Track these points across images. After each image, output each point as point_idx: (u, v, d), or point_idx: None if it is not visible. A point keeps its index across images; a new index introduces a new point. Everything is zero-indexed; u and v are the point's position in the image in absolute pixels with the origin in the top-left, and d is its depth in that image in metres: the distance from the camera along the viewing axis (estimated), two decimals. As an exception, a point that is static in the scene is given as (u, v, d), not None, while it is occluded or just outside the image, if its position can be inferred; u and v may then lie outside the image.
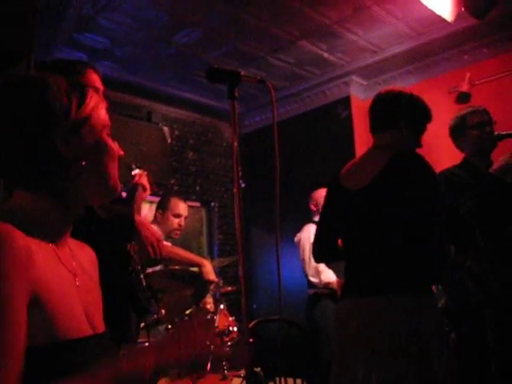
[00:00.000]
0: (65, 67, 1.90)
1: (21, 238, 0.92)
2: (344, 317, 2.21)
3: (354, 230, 2.31)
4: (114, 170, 1.09)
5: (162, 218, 4.14)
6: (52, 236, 1.04)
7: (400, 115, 2.31)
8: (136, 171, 3.22)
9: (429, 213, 2.17)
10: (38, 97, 1.00)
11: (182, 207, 4.17)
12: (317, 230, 2.50)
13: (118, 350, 1.14)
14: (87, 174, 1.04)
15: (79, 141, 1.03)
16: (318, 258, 2.64)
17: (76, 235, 1.17)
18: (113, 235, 1.95)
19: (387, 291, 2.10)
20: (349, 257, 2.36)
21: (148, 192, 3.05)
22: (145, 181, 3.14)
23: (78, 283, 1.07)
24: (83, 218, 1.12)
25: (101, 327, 1.11)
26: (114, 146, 1.10)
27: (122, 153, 1.14)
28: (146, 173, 3.29)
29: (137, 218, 2.11)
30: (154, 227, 3.12)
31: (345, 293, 2.34)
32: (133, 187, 2.87)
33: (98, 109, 1.07)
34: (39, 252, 0.97)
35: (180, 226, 4.16)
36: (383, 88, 2.48)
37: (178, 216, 4.14)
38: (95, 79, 1.98)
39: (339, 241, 2.43)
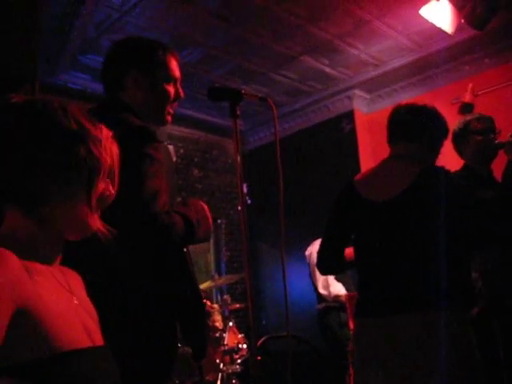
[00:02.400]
0: (145, 48, 1.87)
1: (13, 259, 0.94)
2: (370, 336, 2.12)
3: (375, 243, 2.21)
4: (86, 217, 1.09)
5: None
6: (45, 258, 1.07)
7: (423, 129, 2.27)
8: None
9: (458, 230, 2.09)
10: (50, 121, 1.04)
11: None
12: (323, 240, 2.40)
13: (117, 363, 1.14)
14: (64, 209, 1.06)
15: (71, 180, 1.05)
16: (324, 270, 2.56)
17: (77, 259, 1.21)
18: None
19: (408, 308, 2.02)
20: (367, 271, 2.26)
21: None
22: None
23: (76, 302, 1.10)
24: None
25: (100, 342, 1.12)
26: (108, 189, 1.12)
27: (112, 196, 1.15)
28: None
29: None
30: None
31: (362, 309, 2.23)
32: None
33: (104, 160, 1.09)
34: (36, 272, 1.00)
35: None
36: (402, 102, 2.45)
37: None
38: (175, 66, 1.90)
39: (348, 251, 2.36)
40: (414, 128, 2.29)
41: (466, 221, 2.09)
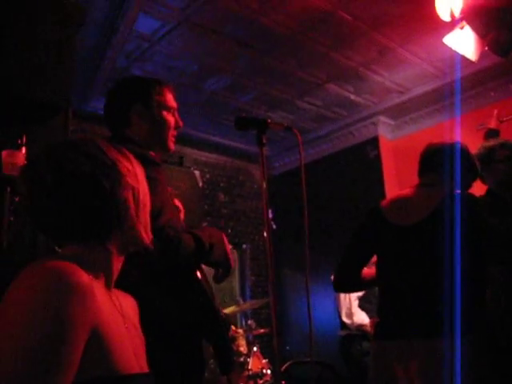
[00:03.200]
0: (144, 84, 2.06)
1: (85, 275, 0.98)
2: (388, 360, 2.13)
3: (396, 266, 2.25)
4: (140, 226, 1.16)
5: None
6: (103, 280, 1.12)
7: (451, 163, 2.32)
8: None
9: (477, 255, 2.12)
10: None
11: None
12: (343, 258, 2.44)
13: None
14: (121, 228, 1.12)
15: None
16: (340, 286, 2.58)
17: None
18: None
19: (422, 334, 2.04)
20: (387, 293, 2.29)
21: None
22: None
23: (126, 325, 1.14)
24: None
25: (146, 368, 1.16)
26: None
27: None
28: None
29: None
30: None
31: (384, 332, 2.26)
32: None
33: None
34: (98, 290, 1.03)
35: None
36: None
37: None
38: (171, 98, 2.09)
39: (366, 271, 2.39)
40: (443, 163, 2.32)
41: (481, 245, 2.12)
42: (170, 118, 2.05)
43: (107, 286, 1.13)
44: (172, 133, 2.07)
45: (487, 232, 2.15)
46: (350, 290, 3.34)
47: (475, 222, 2.13)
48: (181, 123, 2.10)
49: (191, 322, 1.72)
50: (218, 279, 1.97)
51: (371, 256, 2.39)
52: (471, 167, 2.40)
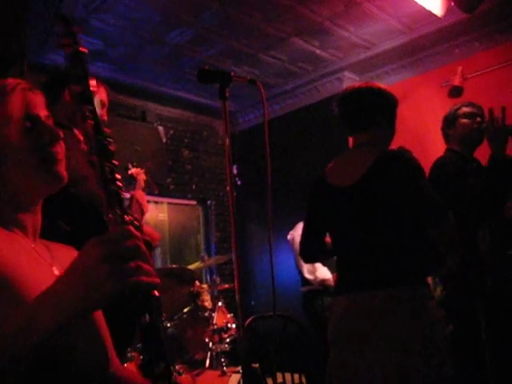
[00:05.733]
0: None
1: None
2: (339, 313, 2.22)
3: (341, 227, 2.32)
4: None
5: None
6: (20, 234, 1.10)
7: (378, 111, 2.31)
8: (132, 170, 3.27)
9: (413, 209, 2.15)
10: None
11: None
12: (303, 230, 2.50)
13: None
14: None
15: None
16: (307, 259, 2.66)
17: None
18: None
19: (378, 286, 2.11)
20: (338, 253, 2.38)
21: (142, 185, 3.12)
22: (141, 178, 3.19)
23: (56, 272, 1.11)
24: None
25: None
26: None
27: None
28: (143, 170, 3.34)
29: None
30: None
31: (337, 288, 2.38)
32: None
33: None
34: (9, 243, 1.03)
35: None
36: (348, 86, 2.47)
37: None
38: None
39: (327, 239, 2.44)
40: (366, 114, 2.33)
41: (415, 201, 2.15)
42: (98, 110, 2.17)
43: (27, 236, 1.12)
44: None
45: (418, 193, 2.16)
46: (317, 259, 3.40)
47: (409, 178, 2.15)
48: (105, 117, 2.22)
49: None
50: None
51: (326, 221, 2.41)
52: (394, 103, 2.38)
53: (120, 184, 0.96)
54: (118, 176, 0.96)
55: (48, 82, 2.15)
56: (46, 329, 0.81)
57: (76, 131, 2.13)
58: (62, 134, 1.13)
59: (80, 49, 0.99)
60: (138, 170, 3.31)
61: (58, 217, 1.23)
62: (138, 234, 0.88)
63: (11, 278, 0.97)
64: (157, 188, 3.85)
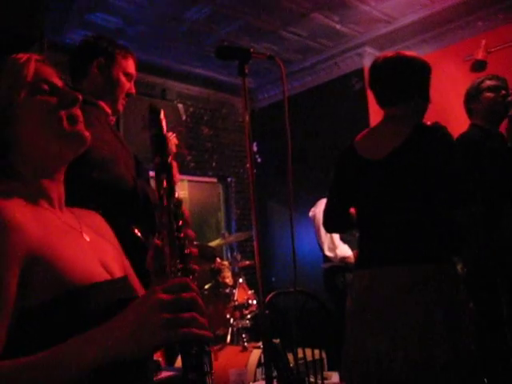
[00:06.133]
0: (108, 43, 2.24)
1: (4, 210, 0.96)
2: (361, 287, 2.20)
3: (369, 200, 2.29)
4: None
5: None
6: (45, 204, 1.11)
7: (409, 83, 2.26)
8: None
9: (445, 186, 2.13)
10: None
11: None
12: (328, 200, 2.46)
13: (136, 293, 1.17)
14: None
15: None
16: (330, 229, 2.65)
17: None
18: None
19: (404, 262, 2.09)
20: (364, 227, 2.35)
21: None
22: (173, 142, 3.19)
23: (88, 239, 1.13)
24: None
25: (121, 273, 1.16)
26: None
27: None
28: (174, 135, 3.29)
29: None
30: None
31: (359, 262, 2.36)
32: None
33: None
34: (33, 215, 1.03)
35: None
36: (378, 56, 2.40)
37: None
38: (132, 65, 2.27)
39: (351, 210, 2.41)
40: (401, 86, 2.27)
41: (448, 178, 2.13)
42: (126, 83, 2.22)
43: (54, 207, 1.12)
44: (123, 96, 2.24)
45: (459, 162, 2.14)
46: (340, 230, 3.40)
47: (445, 153, 2.13)
48: (133, 91, 2.28)
49: None
50: None
51: (353, 192, 2.38)
52: (428, 75, 2.33)
53: (186, 242, 1.04)
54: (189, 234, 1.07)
55: (74, 56, 2.20)
56: (92, 363, 0.84)
57: (102, 104, 2.16)
58: (80, 97, 1.14)
59: (164, 133, 1.09)
60: (170, 133, 3.25)
61: (80, 204, 1.24)
62: (196, 287, 0.92)
63: (47, 257, 0.98)
64: (188, 152, 3.78)
